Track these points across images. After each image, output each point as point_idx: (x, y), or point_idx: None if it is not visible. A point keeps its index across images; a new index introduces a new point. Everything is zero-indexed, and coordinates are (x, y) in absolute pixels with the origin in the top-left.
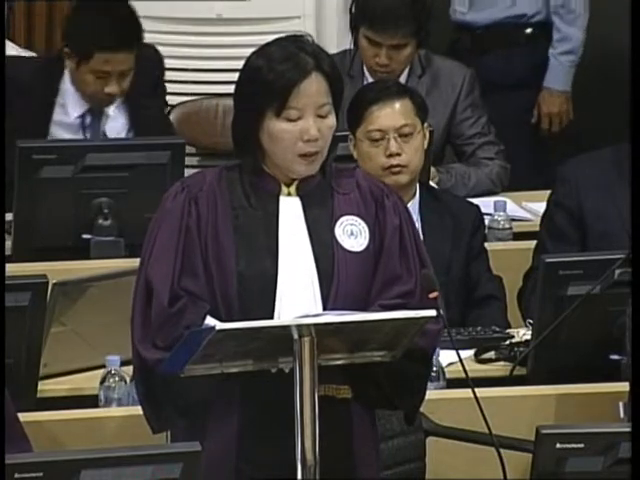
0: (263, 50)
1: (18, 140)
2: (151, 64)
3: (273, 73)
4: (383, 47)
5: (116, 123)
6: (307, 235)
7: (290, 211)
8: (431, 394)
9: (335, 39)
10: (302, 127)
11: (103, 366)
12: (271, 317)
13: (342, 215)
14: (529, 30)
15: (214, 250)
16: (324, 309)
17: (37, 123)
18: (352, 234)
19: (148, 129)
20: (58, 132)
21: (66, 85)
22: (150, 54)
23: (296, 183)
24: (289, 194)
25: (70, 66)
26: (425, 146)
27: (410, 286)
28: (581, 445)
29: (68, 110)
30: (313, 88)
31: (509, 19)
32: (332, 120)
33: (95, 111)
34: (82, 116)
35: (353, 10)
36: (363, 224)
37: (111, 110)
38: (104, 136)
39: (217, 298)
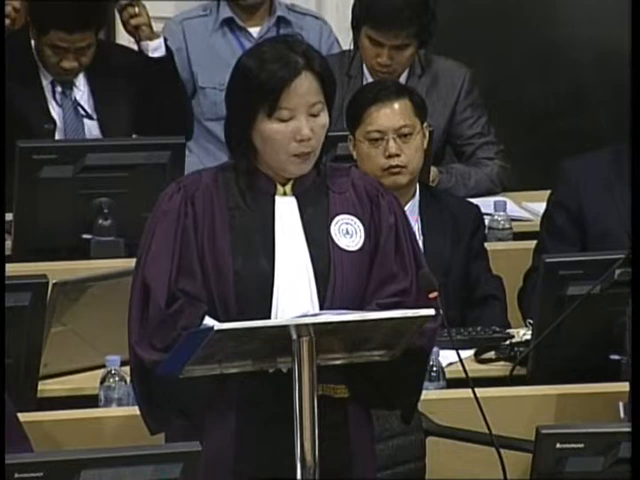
0: (254, 51)
1: (18, 140)
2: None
3: (264, 73)
4: (385, 47)
5: (84, 92)
6: (303, 234)
7: (286, 210)
8: (431, 394)
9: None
10: (294, 127)
11: (103, 366)
12: (268, 317)
13: (337, 214)
14: None
15: (211, 250)
16: (321, 308)
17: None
18: (347, 233)
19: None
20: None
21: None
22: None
23: (291, 182)
24: (284, 194)
25: (33, 36)
26: (425, 146)
27: (406, 284)
28: (581, 445)
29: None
30: (304, 87)
31: None
32: (324, 119)
33: (63, 81)
34: (52, 84)
35: (356, 10)
36: (358, 223)
37: (81, 86)
38: (75, 103)
39: (214, 298)
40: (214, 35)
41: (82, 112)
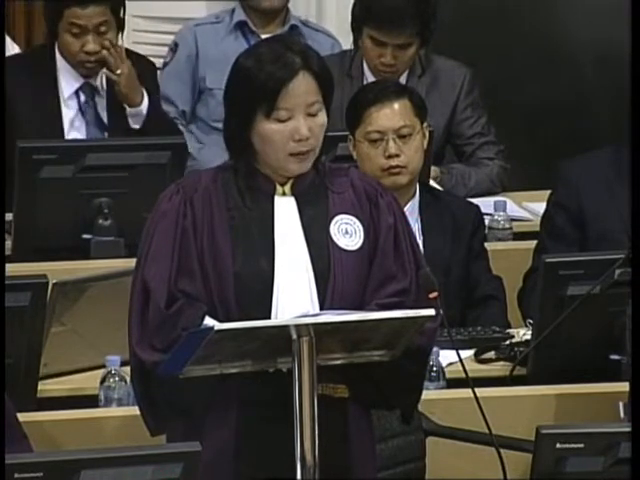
0: (251, 51)
1: (18, 140)
2: (148, 75)
3: (262, 74)
4: (389, 47)
5: (103, 98)
6: (302, 234)
7: (285, 210)
8: (431, 394)
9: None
10: (293, 127)
11: (103, 366)
12: (268, 317)
13: (337, 214)
14: None
15: (210, 251)
16: (321, 308)
17: (45, 112)
18: (347, 233)
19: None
20: (65, 111)
21: (58, 63)
22: (145, 65)
23: (290, 182)
24: (284, 194)
25: (51, 33)
26: (425, 146)
27: (405, 284)
28: (581, 445)
29: (63, 89)
30: (302, 87)
31: None
32: (323, 118)
33: (87, 90)
34: (76, 93)
35: (356, 10)
36: (358, 223)
37: (102, 89)
38: (97, 116)
39: (214, 299)
40: (226, 38)
41: (102, 124)
